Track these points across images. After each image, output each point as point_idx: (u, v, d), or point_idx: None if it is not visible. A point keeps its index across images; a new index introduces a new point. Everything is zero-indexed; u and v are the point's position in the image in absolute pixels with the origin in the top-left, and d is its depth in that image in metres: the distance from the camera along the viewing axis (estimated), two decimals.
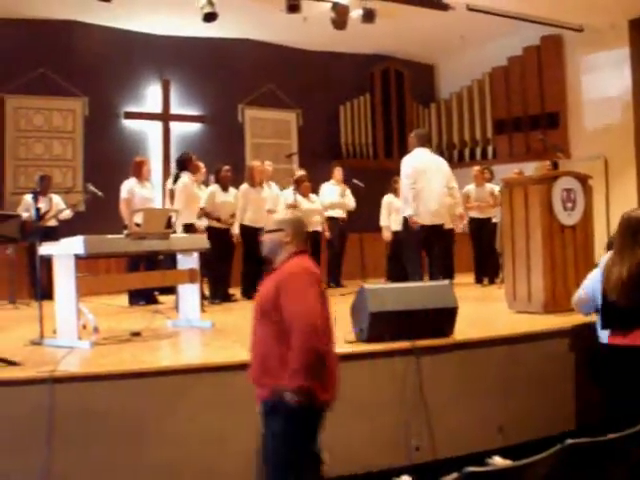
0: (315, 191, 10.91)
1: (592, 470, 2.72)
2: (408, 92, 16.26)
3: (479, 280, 10.76)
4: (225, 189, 9.39)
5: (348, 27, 12.40)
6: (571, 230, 6.89)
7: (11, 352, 4.94)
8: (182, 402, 4.45)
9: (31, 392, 4.24)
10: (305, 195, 10.42)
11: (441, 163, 8.31)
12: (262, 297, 3.51)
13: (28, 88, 12.30)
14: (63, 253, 5.66)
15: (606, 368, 4.68)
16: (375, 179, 11.70)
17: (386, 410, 4.95)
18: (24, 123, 12.54)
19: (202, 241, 7.04)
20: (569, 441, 2.63)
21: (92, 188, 7.34)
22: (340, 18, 12.27)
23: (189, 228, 8.70)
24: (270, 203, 9.75)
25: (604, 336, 4.73)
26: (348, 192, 11.29)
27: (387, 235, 10.96)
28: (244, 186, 9.52)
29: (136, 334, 6.08)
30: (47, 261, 5.98)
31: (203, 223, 9.14)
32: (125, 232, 6.72)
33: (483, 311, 7.50)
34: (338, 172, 11.46)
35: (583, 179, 7.11)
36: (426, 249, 8.10)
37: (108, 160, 11.93)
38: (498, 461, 2.96)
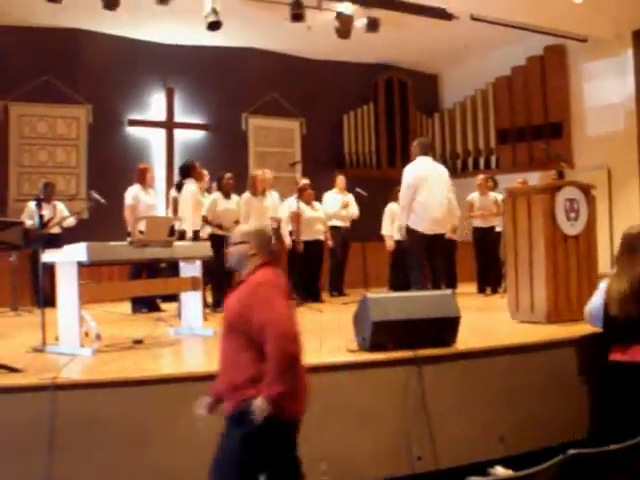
0: (318, 199, 10.91)
1: None
2: (412, 101, 16.30)
3: (482, 289, 10.75)
4: (227, 197, 9.41)
5: (352, 36, 12.45)
6: (574, 240, 6.88)
7: (13, 359, 4.93)
8: (184, 410, 4.42)
9: (33, 399, 4.24)
10: (308, 203, 10.41)
11: (443, 172, 8.31)
12: (229, 311, 3.47)
13: (32, 95, 12.35)
14: (66, 260, 5.66)
15: (605, 383, 4.68)
16: (378, 188, 11.70)
17: (388, 419, 4.94)
18: (28, 130, 12.59)
19: (205, 249, 7.04)
20: (571, 451, 2.62)
21: (95, 195, 7.35)
22: (344, 27, 12.32)
23: (196, 235, 8.73)
24: (272, 211, 9.77)
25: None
26: (352, 200, 11.30)
27: (390, 244, 10.94)
28: (246, 195, 9.54)
29: (138, 342, 6.07)
30: (50, 268, 5.98)
31: (206, 231, 9.15)
32: (128, 239, 6.72)
33: (485, 321, 7.49)
34: (341, 180, 11.47)
35: (586, 189, 7.10)
36: (428, 258, 8.09)
37: (112, 168, 11.97)
38: (500, 471, 2.95)
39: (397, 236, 10.53)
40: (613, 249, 9.80)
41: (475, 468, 3.15)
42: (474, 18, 12.38)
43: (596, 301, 5.02)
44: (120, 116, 13.34)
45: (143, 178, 9.29)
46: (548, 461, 2.58)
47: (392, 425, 4.93)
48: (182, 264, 6.96)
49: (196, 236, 8.74)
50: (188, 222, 8.68)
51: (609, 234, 11.77)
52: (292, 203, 10.24)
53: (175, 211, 8.87)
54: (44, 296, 6.32)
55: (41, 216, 8.21)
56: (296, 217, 9.95)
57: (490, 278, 10.69)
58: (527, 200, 6.85)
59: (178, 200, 8.90)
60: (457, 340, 5.40)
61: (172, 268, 7.64)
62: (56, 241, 8.53)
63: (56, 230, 9.57)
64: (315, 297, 10.16)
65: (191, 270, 6.85)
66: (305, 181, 10.79)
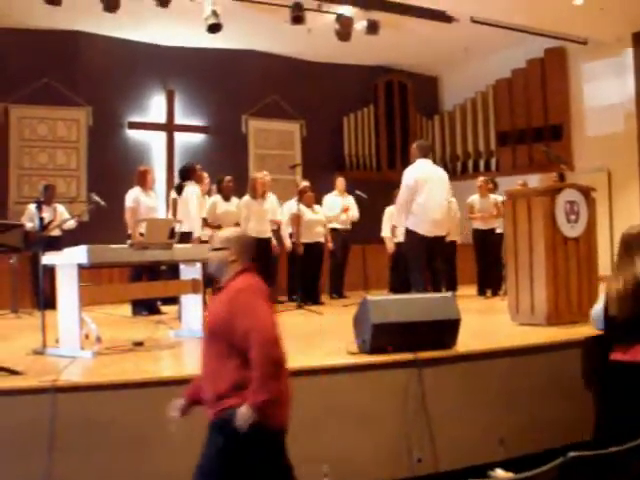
0: (318, 202, 10.91)
1: None
2: (412, 104, 16.30)
3: (482, 292, 10.75)
4: (227, 199, 9.45)
5: (352, 39, 12.47)
6: (574, 242, 6.88)
7: (13, 361, 4.93)
8: None
9: (33, 402, 4.23)
10: (309, 206, 10.41)
11: (442, 174, 8.32)
12: (211, 318, 3.44)
13: (32, 98, 12.36)
14: (66, 263, 5.66)
15: (607, 384, 4.67)
16: (378, 190, 11.70)
17: (388, 422, 4.94)
18: (28, 133, 12.59)
19: (205, 251, 7.02)
20: (571, 454, 2.62)
21: (96, 198, 7.34)
22: (344, 30, 12.33)
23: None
24: (271, 214, 9.79)
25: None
26: (352, 202, 11.30)
27: (390, 246, 10.94)
28: (246, 197, 9.56)
29: (139, 344, 6.07)
30: (50, 270, 5.98)
31: (207, 233, 9.16)
32: (128, 242, 6.73)
33: (486, 323, 7.49)
34: (340, 182, 11.48)
35: (586, 191, 7.11)
36: (428, 261, 8.09)
37: (112, 170, 11.98)
38: (500, 474, 2.95)
39: (389, 235, 10.60)
40: (613, 251, 9.78)
41: (475, 471, 3.15)
42: (474, 21, 12.39)
43: (599, 304, 5.02)
44: (120, 118, 13.35)
45: (143, 180, 9.29)
46: (548, 463, 2.58)
47: (392, 427, 4.93)
48: (182, 266, 6.96)
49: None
50: (197, 223, 8.74)
51: (609, 236, 11.77)
52: (292, 205, 10.24)
53: (175, 213, 8.88)
54: (44, 298, 6.32)
55: (41, 218, 8.19)
56: (296, 219, 9.95)
57: (490, 280, 10.69)
58: (527, 202, 6.85)
59: (177, 202, 8.91)
60: (457, 342, 5.39)
61: (172, 270, 7.64)
62: (56, 243, 8.52)
63: (56, 233, 9.56)
64: (315, 299, 10.17)
65: (191, 272, 6.84)
66: (305, 183, 10.80)
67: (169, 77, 13.68)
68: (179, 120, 13.94)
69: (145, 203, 9.12)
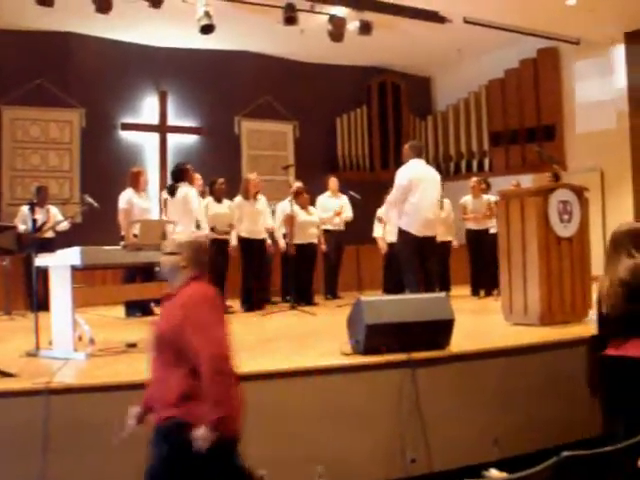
0: (312, 203, 10.90)
1: None
2: (405, 104, 16.32)
3: (475, 292, 10.76)
4: (219, 201, 9.46)
5: (345, 39, 12.46)
6: (567, 242, 6.89)
7: (6, 363, 4.92)
8: None
9: (27, 403, 4.23)
10: (304, 207, 10.40)
11: (435, 175, 8.34)
12: (160, 326, 3.36)
13: (25, 99, 12.32)
14: (59, 264, 5.65)
15: (600, 379, 4.69)
16: (372, 191, 11.69)
17: (382, 422, 4.94)
18: (21, 134, 12.55)
19: None
20: (565, 453, 2.62)
21: (89, 199, 7.32)
22: (337, 30, 12.33)
23: None
24: (264, 215, 9.80)
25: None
26: (346, 202, 11.30)
27: (383, 246, 10.93)
28: (238, 198, 9.57)
29: (132, 345, 6.04)
30: (43, 272, 5.97)
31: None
32: (122, 243, 6.72)
33: (479, 323, 7.50)
34: (333, 182, 11.47)
35: (579, 191, 7.12)
36: (421, 261, 8.09)
37: (105, 171, 11.95)
38: (494, 474, 2.96)
39: (390, 238, 10.58)
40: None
41: (469, 471, 3.15)
42: (467, 21, 12.40)
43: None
44: (113, 120, 13.32)
45: (136, 182, 9.26)
46: (542, 463, 2.59)
47: (386, 428, 4.93)
48: None
49: None
50: (203, 224, 8.81)
51: (602, 236, 11.77)
52: (286, 206, 10.24)
53: (167, 214, 8.87)
54: (38, 300, 6.30)
55: (34, 220, 8.15)
56: (290, 220, 9.94)
57: (484, 281, 10.70)
58: (520, 202, 6.87)
59: (168, 203, 8.89)
60: (451, 343, 5.40)
61: None
62: (49, 245, 8.48)
63: (49, 234, 9.53)
64: (308, 300, 10.16)
65: None
66: (298, 184, 10.78)
67: (162, 78, 13.66)
68: (172, 121, 13.92)
69: (138, 204, 9.10)
